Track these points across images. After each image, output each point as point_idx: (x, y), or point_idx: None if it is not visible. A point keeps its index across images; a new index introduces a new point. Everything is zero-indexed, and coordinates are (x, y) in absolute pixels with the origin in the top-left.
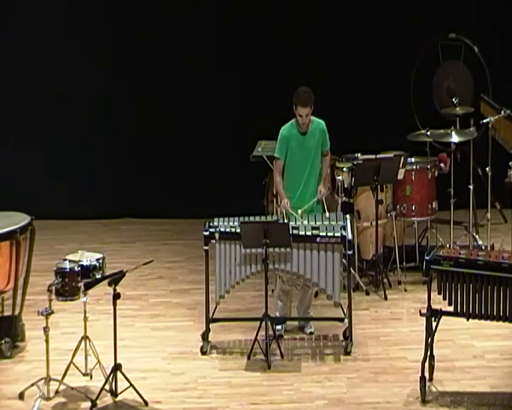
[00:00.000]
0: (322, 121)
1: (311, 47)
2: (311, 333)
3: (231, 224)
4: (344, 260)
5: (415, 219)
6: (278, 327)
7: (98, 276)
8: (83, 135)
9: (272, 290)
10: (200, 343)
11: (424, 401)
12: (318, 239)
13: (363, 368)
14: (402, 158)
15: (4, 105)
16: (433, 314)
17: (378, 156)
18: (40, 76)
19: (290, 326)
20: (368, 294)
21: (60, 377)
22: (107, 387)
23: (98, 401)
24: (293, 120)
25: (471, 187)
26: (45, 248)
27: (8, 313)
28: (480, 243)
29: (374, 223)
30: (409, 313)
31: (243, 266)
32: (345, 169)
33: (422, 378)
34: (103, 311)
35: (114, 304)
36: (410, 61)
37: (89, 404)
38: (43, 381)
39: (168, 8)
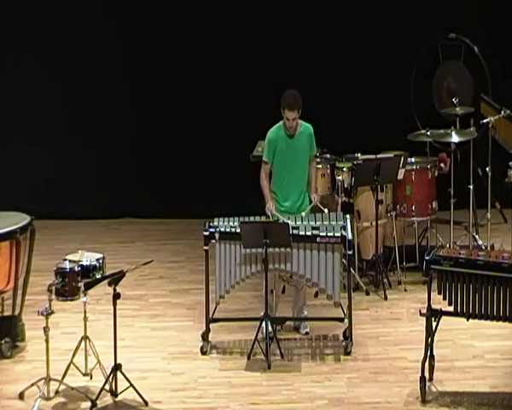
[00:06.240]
0: (309, 125)
1: (312, 47)
2: (307, 333)
3: (231, 224)
4: (344, 260)
5: (415, 219)
6: (269, 329)
7: (98, 276)
8: (83, 135)
9: (272, 290)
10: (200, 343)
11: (424, 401)
12: (318, 239)
13: (363, 368)
14: (402, 158)
15: (5, 105)
16: (433, 314)
17: (378, 156)
18: (41, 77)
19: (290, 327)
20: (368, 294)
21: (60, 377)
22: (107, 387)
23: (98, 401)
24: (280, 123)
25: (471, 187)
26: (45, 248)
27: (8, 313)
28: (480, 243)
29: (374, 223)
30: (409, 313)
31: (243, 266)
32: (345, 169)
33: (422, 378)
34: (103, 311)
35: (114, 304)
36: (410, 61)
37: (89, 404)
38: (43, 381)
39: (168, 9)
